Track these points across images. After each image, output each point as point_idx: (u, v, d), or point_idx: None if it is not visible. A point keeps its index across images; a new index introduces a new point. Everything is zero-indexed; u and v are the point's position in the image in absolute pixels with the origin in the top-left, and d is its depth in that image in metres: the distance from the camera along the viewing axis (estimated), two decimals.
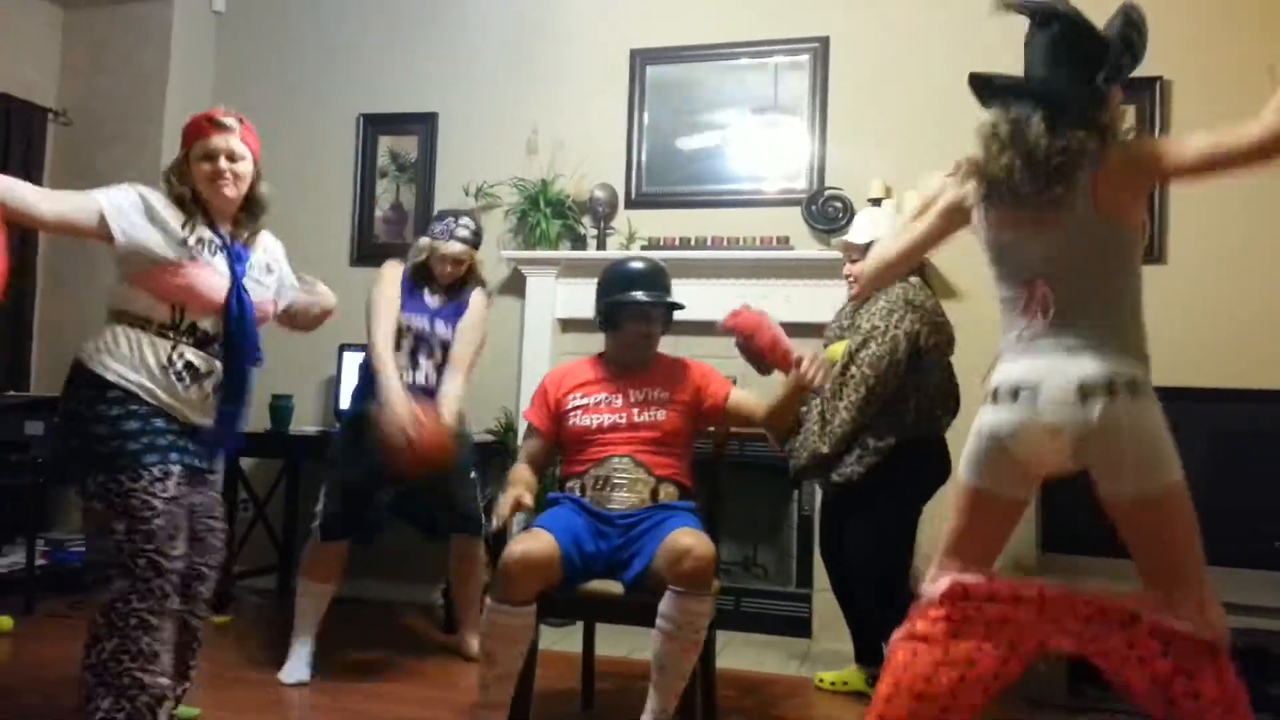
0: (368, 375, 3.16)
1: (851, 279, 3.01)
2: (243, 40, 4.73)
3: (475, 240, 3.29)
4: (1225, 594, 1.78)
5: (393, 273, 3.21)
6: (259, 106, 4.60)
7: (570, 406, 2.68)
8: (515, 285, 4.26)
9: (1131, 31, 1.92)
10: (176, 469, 2.24)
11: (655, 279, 2.71)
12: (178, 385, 2.26)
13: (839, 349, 2.91)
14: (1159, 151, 1.83)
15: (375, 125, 4.52)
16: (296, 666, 3.07)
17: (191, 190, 2.32)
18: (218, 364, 2.32)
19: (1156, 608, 1.78)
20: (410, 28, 4.51)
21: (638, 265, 2.75)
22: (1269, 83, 1.89)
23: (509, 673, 2.36)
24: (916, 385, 2.80)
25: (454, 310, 3.28)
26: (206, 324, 2.29)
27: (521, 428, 4.01)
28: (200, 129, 2.33)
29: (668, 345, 2.86)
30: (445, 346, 3.21)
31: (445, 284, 3.26)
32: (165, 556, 2.18)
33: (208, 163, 2.31)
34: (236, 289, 2.31)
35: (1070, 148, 1.84)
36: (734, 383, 2.87)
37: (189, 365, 2.27)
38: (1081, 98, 1.90)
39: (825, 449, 2.81)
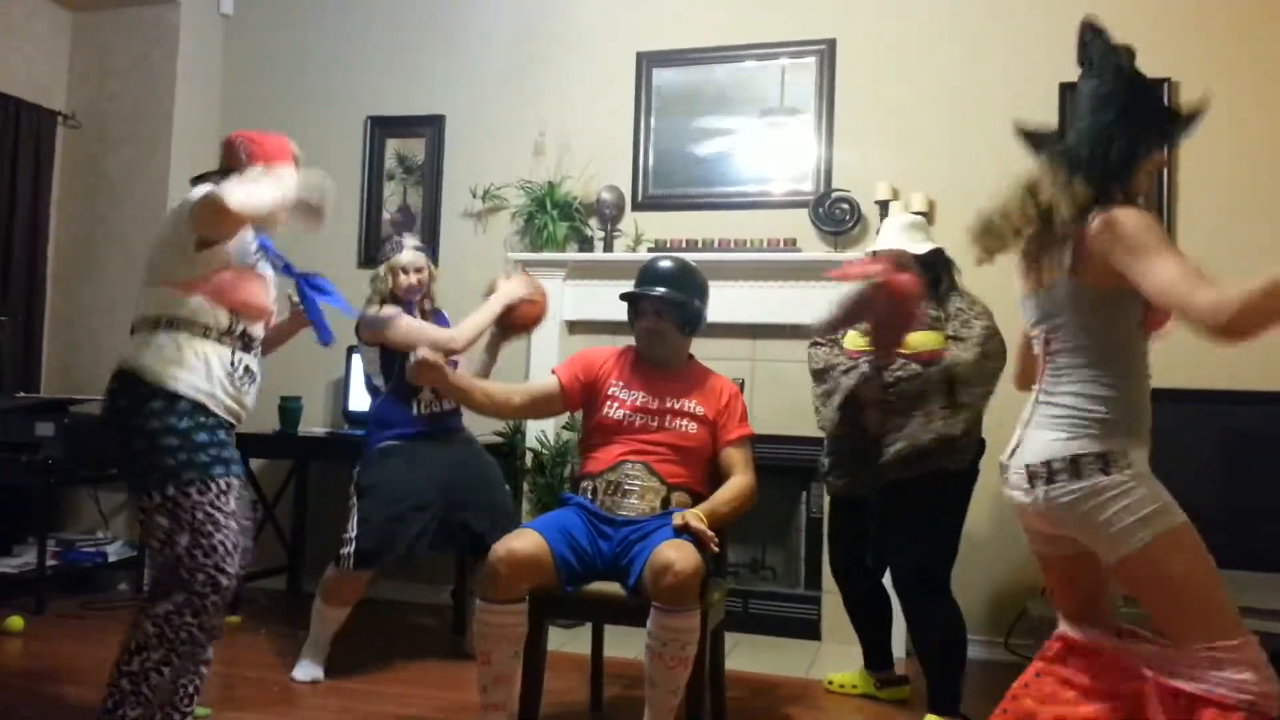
0: (386, 411, 3.21)
1: None
2: (250, 43, 4.74)
3: (425, 249, 3.35)
4: (1238, 597, 1.76)
5: (388, 310, 3.19)
6: (266, 109, 4.63)
7: (609, 391, 2.70)
8: None
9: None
10: (236, 481, 2.27)
11: (669, 277, 2.70)
12: (242, 390, 2.30)
13: (923, 339, 2.77)
14: (1123, 256, 1.74)
15: (383, 128, 4.52)
16: (310, 666, 3.09)
17: None
18: (260, 366, 2.39)
19: (1165, 664, 1.77)
20: (417, 30, 4.52)
21: (661, 264, 2.76)
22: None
23: (505, 673, 2.37)
24: None
25: (438, 324, 3.30)
26: (255, 329, 2.35)
27: (530, 429, 4.05)
28: (285, 153, 2.38)
29: None
30: (451, 365, 3.21)
31: (415, 299, 3.26)
32: (223, 573, 2.19)
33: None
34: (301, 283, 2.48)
35: (1075, 208, 1.82)
36: (741, 386, 2.87)
37: (247, 369, 2.32)
38: (1110, 157, 1.86)
39: (959, 433, 2.73)
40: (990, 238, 1.92)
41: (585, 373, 2.74)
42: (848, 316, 2.61)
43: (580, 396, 2.74)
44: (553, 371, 2.80)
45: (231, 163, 2.34)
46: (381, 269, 3.25)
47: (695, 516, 2.43)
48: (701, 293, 2.74)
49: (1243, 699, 1.66)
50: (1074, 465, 1.80)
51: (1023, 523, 1.99)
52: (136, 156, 4.51)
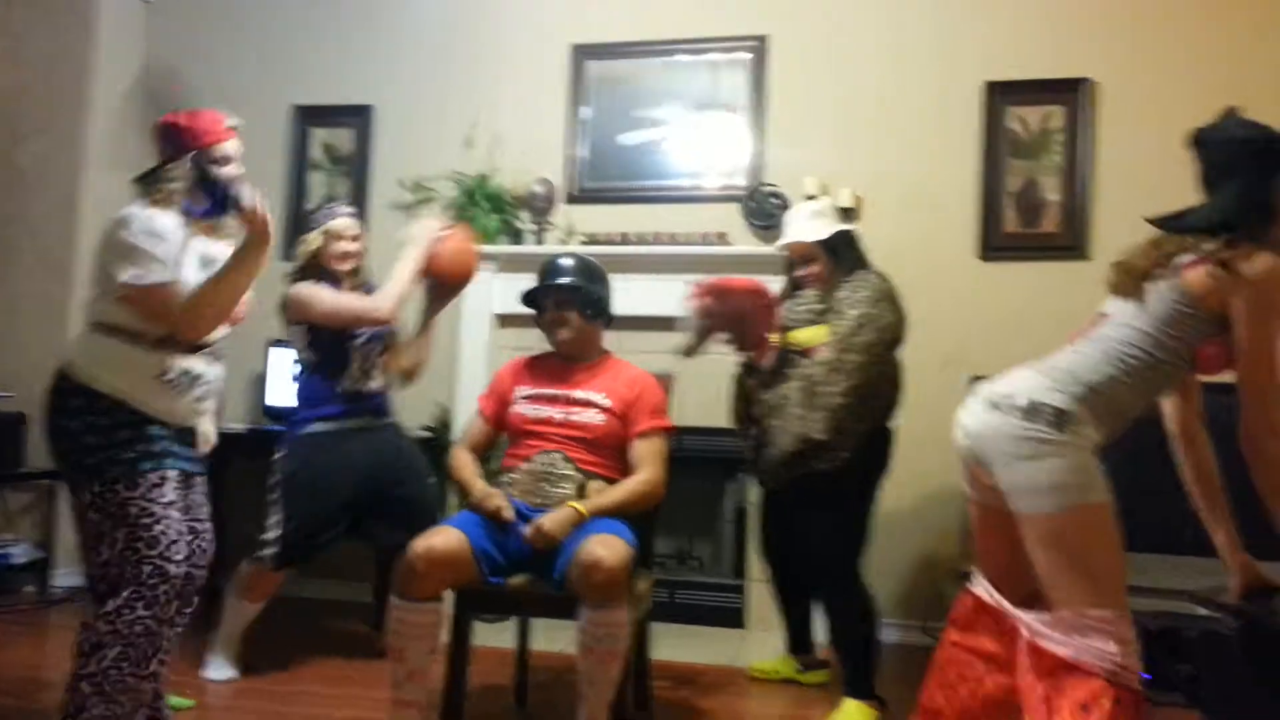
0: (310, 389, 3.11)
1: (809, 278, 2.93)
2: (172, 29, 4.61)
3: (359, 216, 3.28)
4: (1137, 578, 1.81)
5: (310, 286, 3.09)
6: (188, 98, 4.52)
7: (515, 396, 2.72)
8: None
9: None
10: (173, 474, 2.24)
11: (566, 270, 2.73)
12: (171, 393, 2.26)
13: (811, 334, 2.83)
14: (1245, 306, 1.82)
15: (308, 117, 4.44)
16: (223, 665, 3.01)
17: None
18: (212, 367, 2.34)
19: (1038, 626, 1.82)
20: (346, 17, 4.45)
21: (560, 260, 2.78)
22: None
23: (419, 669, 2.34)
24: (887, 376, 2.81)
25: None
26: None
27: (458, 423, 4.01)
28: (217, 132, 2.32)
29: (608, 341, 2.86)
30: (379, 339, 3.15)
31: (346, 273, 3.14)
32: (170, 562, 2.18)
33: (230, 165, 2.33)
34: None
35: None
36: (670, 380, 2.87)
37: (184, 372, 2.27)
38: (1250, 217, 1.88)
39: (821, 435, 2.69)
40: (1123, 276, 1.98)
41: (499, 393, 2.77)
42: (702, 331, 2.85)
43: (497, 414, 2.76)
44: (479, 401, 2.81)
45: (167, 154, 2.30)
46: (312, 234, 3.12)
47: (559, 523, 2.41)
48: (599, 279, 2.77)
49: (1104, 667, 1.72)
50: (1031, 408, 1.83)
51: (966, 472, 2.02)
52: (51, 147, 4.35)
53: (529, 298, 2.78)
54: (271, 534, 2.97)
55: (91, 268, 2.30)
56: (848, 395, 2.69)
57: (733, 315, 2.85)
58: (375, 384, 3.17)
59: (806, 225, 2.96)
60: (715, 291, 2.83)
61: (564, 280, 2.71)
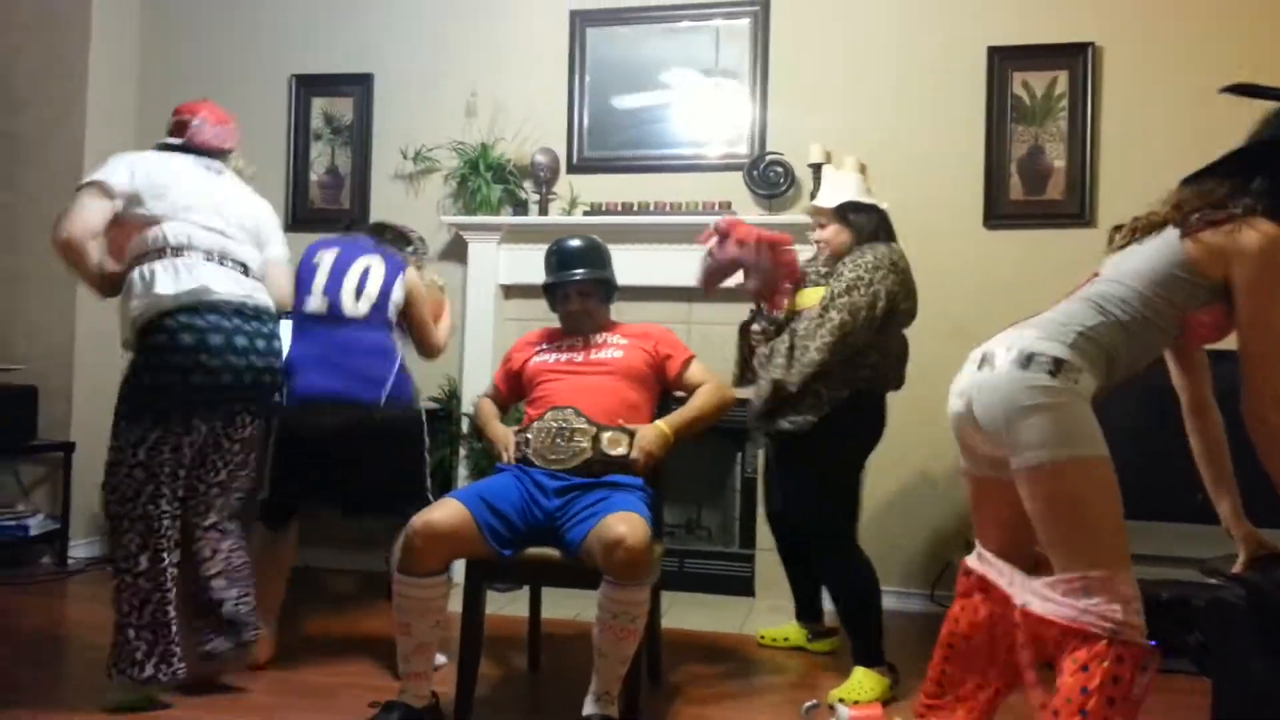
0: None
1: (822, 243, 2.97)
2: None
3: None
4: (1149, 546, 1.83)
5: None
6: (187, 66, 4.48)
7: (533, 361, 2.83)
8: (456, 251, 4.22)
9: None
10: None
11: (586, 256, 2.83)
12: None
13: (810, 295, 2.88)
14: (1248, 274, 1.80)
15: (308, 86, 4.40)
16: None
17: None
18: None
19: (1038, 593, 1.82)
20: None
21: (571, 244, 2.86)
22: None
23: (426, 643, 2.37)
24: (880, 345, 2.81)
25: None
26: None
27: (466, 394, 4.03)
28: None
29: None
30: None
31: None
32: None
33: None
34: None
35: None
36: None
37: None
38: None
39: (793, 384, 2.74)
40: (1126, 233, 2.00)
41: (511, 362, 2.91)
42: (711, 274, 2.88)
43: (508, 386, 2.92)
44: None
45: (228, 144, 2.76)
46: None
47: (654, 440, 2.57)
48: (610, 262, 2.90)
49: (1107, 627, 1.71)
50: (1027, 358, 1.82)
51: (961, 440, 2.02)
52: (51, 114, 4.30)
53: (550, 287, 2.87)
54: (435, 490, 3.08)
55: (247, 242, 2.68)
56: (823, 351, 2.71)
57: (731, 264, 2.85)
58: None
59: (823, 191, 3.01)
60: (721, 233, 2.83)
61: (585, 273, 2.81)
